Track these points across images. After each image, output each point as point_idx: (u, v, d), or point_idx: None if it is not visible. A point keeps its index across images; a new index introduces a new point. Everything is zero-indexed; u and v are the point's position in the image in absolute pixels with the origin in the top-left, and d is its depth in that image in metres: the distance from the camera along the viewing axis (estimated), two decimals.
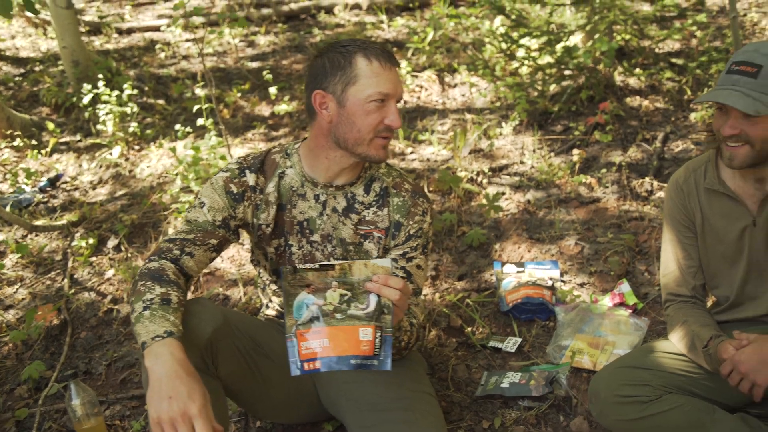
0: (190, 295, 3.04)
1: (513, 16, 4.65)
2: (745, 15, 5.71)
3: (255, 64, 6.09)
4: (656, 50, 5.03)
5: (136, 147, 4.60)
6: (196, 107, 4.18)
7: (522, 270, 2.91)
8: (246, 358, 1.84)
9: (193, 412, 1.42)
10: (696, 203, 2.01)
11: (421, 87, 5.17)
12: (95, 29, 7.09)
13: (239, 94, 5.25)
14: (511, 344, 2.53)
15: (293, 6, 7.48)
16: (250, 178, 1.88)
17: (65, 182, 4.29)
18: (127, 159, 4.45)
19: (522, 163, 3.90)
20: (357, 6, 7.46)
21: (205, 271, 3.19)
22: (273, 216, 1.89)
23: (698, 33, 5.29)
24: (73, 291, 3.14)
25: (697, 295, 2.06)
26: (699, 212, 2.01)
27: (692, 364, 1.95)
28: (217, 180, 1.87)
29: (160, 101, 5.35)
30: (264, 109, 5.13)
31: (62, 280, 3.26)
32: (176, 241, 1.78)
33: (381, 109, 1.75)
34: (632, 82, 4.60)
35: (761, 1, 6.11)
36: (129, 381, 2.59)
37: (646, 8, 5.78)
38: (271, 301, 2.07)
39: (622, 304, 2.67)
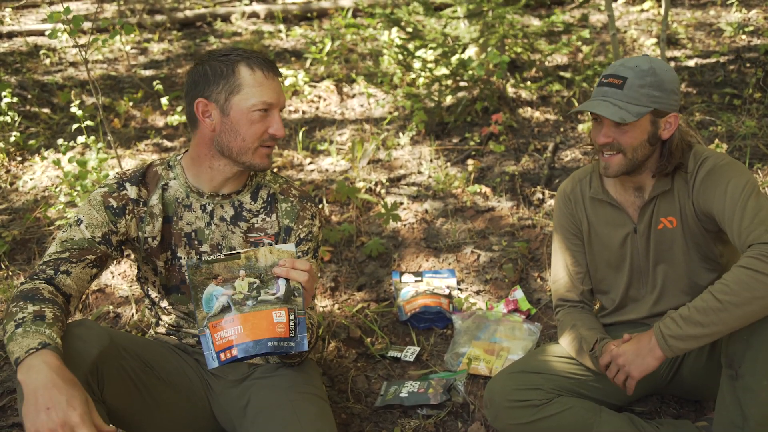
0: (78, 316, 2.89)
1: (409, 29, 4.72)
2: (625, 32, 6.04)
3: (148, 72, 5.90)
4: (546, 63, 5.25)
5: (18, 158, 4.34)
6: (75, 125, 3.98)
7: (420, 279, 2.94)
8: (135, 380, 1.76)
9: (75, 421, 1.33)
10: (582, 212, 2.10)
11: (320, 97, 5.16)
12: None
13: (131, 104, 5.06)
14: (409, 353, 2.55)
15: (188, 13, 7.31)
16: (131, 191, 1.82)
17: None
18: (7, 171, 4.19)
19: (419, 173, 3.95)
20: (254, 15, 7.38)
21: (95, 288, 3.05)
22: (159, 228, 1.84)
23: (584, 48, 5.56)
24: None
25: (585, 299, 2.15)
26: (585, 220, 2.10)
27: (581, 366, 2.02)
28: (95, 196, 1.81)
29: (45, 110, 5.08)
30: (158, 119, 4.97)
31: None
32: (50, 262, 1.69)
33: (265, 119, 1.76)
34: (524, 94, 4.76)
35: (640, 19, 6.50)
36: (9, 408, 2.42)
37: (536, 23, 6.02)
38: (160, 319, 2.00)
39: (516, 310, 2.75)
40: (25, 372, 1.39)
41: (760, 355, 1.68)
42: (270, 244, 1.90)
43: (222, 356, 1.56)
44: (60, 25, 2.88)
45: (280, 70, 5.12)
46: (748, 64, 4.98)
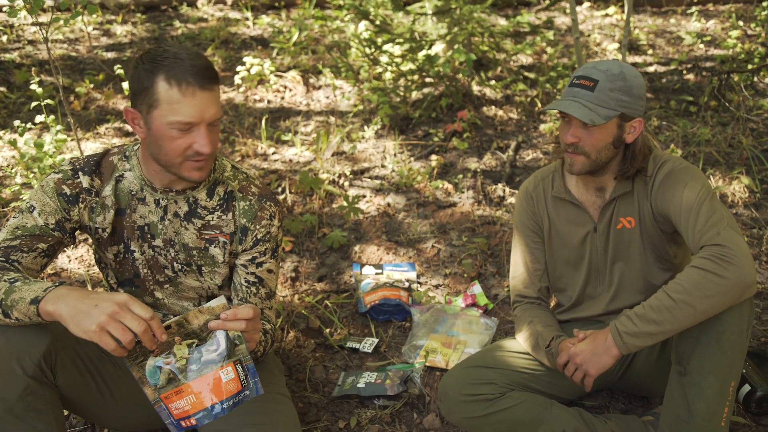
0: None
1: (377, 22, 4.73)
2: (589, 36, 6.15)
3: (110, 55, 5.79)
4: (511, 63, 5.31)
5: None
6: (34, 104, 3.90)
7: (380, 272, 2.96)
8: (89, 367, 1.74)
9: (125, 299, 1.38)
10: (544, 210, 2.14)
11: (285, 87, 5.14)
12: None
13: (92, 86, 4.97)
14: (368, 345, 2.57)
15: None
16: (84, 180, 1.78)
17: None
18: None
19: (383, 166, 3.97)
20: (221, 1, 7.29)
21: (51, 272, 3.00)
22: (110, 220, 1.81)
23: (548, 50, 5.64)
24: None
25: (542, 296, 2.20)
26: (546, 218, 2.14)
27: (535, 361, 2.07)
28: (48, 182, 1.76)
29: (2, 88, 4.95)
30: (119, 103, 4.89)
31: None
32: None
33: (188, 135, 1.64)
34: (489, 92, 4.82)
35: (604, 23, 6.62)
36: None
37: (502, 23, 6.09)
38: None
39: (473, 305, 2.80)
40: (53, 302, 1.41)
41: (707, 353, 1.74)
42: (225, 242, 1.87)
43: (183, 423, 1.52)
44: (20, 2, 2.81)
45: (247, 58, 5.10)
46: (704, 73, 5.12)
